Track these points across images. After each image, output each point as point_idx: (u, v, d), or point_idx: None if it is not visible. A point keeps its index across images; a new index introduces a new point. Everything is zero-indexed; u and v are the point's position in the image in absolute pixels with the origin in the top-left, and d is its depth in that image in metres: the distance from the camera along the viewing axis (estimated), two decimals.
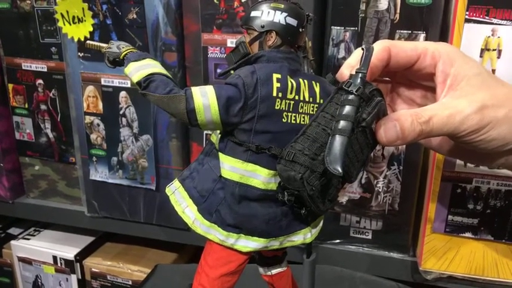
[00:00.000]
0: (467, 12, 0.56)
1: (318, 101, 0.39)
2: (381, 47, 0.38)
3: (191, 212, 0.41)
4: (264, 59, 0.38)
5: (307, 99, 0.38)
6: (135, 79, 0.37)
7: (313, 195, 0.36)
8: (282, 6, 0.39)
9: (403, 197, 0.68)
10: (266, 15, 0.39)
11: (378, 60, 0.38)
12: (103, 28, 0.72)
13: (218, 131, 0.40)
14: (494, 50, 0.56)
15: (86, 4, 0.72)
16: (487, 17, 0.55)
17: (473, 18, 0.56)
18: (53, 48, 0.80)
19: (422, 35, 0.60)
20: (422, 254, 0.66)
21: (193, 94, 0.36)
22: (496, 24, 0.55)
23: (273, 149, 0.37)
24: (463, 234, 0.64)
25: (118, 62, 0.41)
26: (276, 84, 0.37)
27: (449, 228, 0.64)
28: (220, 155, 0.39)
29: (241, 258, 0.42)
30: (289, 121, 0.38)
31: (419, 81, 0.41)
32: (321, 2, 0.64)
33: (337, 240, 0.73)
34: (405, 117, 0.34)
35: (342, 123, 0.33)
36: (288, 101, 0.37)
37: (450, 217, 0.64)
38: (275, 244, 0.41)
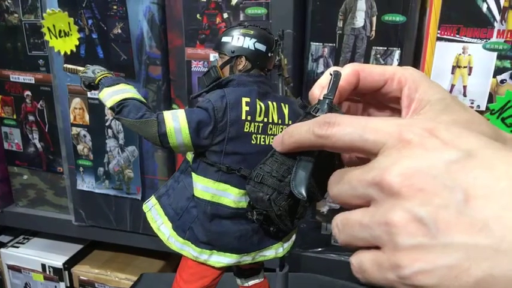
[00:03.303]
0: (438, 31, 0.57)
1: (286, 122, 0.41)
2: (350, 71, 0.39)
3: (166, 229, 0.42)
4: (234, 83, 0.40)
5: (276, 121, 0.40)
6: (109, 104, 0.39)
7: (281, 215, 0.37)
8: (252, 32, 0.40)
9: None
10: (236, 40, 0.40)
11: (346, 83, 0.39)
12: (89, 42, 0.74)
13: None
14: (465, 67, 0.58)
15: (72, 19, 0.74)
16: (457, 36, 0.57)
17: (445, 36, 0.57)
18: (40, 60, 0.82)
19: (397, 51, 0.62)
20: None
21: (165, 118, 0.38)
22: (466, 42, 0.57)
23: (242, 170, 0.39)
24: None
25: (93, 86, 0.42)
26: (245, 108, 0.38)
27: None
28: (193, 175, 0.41)
29: (215, 273, 0.43)
30: (258, 143, 0.39)
31: (387, 103, 0.43)
32: (300, 18, 0.65)
33: (319, 249, 0.75)
34: None
35: None
36: (256, 124, 0.39)
37: None
38: (247, 259, 0.43)
